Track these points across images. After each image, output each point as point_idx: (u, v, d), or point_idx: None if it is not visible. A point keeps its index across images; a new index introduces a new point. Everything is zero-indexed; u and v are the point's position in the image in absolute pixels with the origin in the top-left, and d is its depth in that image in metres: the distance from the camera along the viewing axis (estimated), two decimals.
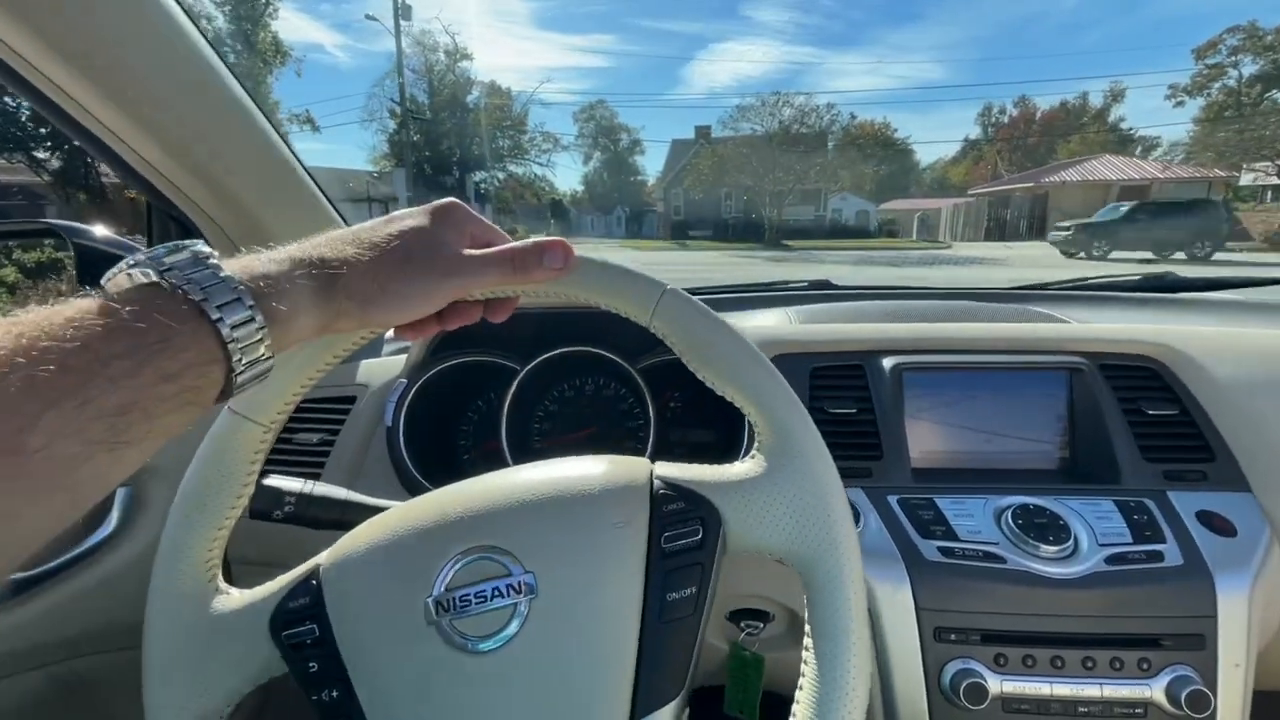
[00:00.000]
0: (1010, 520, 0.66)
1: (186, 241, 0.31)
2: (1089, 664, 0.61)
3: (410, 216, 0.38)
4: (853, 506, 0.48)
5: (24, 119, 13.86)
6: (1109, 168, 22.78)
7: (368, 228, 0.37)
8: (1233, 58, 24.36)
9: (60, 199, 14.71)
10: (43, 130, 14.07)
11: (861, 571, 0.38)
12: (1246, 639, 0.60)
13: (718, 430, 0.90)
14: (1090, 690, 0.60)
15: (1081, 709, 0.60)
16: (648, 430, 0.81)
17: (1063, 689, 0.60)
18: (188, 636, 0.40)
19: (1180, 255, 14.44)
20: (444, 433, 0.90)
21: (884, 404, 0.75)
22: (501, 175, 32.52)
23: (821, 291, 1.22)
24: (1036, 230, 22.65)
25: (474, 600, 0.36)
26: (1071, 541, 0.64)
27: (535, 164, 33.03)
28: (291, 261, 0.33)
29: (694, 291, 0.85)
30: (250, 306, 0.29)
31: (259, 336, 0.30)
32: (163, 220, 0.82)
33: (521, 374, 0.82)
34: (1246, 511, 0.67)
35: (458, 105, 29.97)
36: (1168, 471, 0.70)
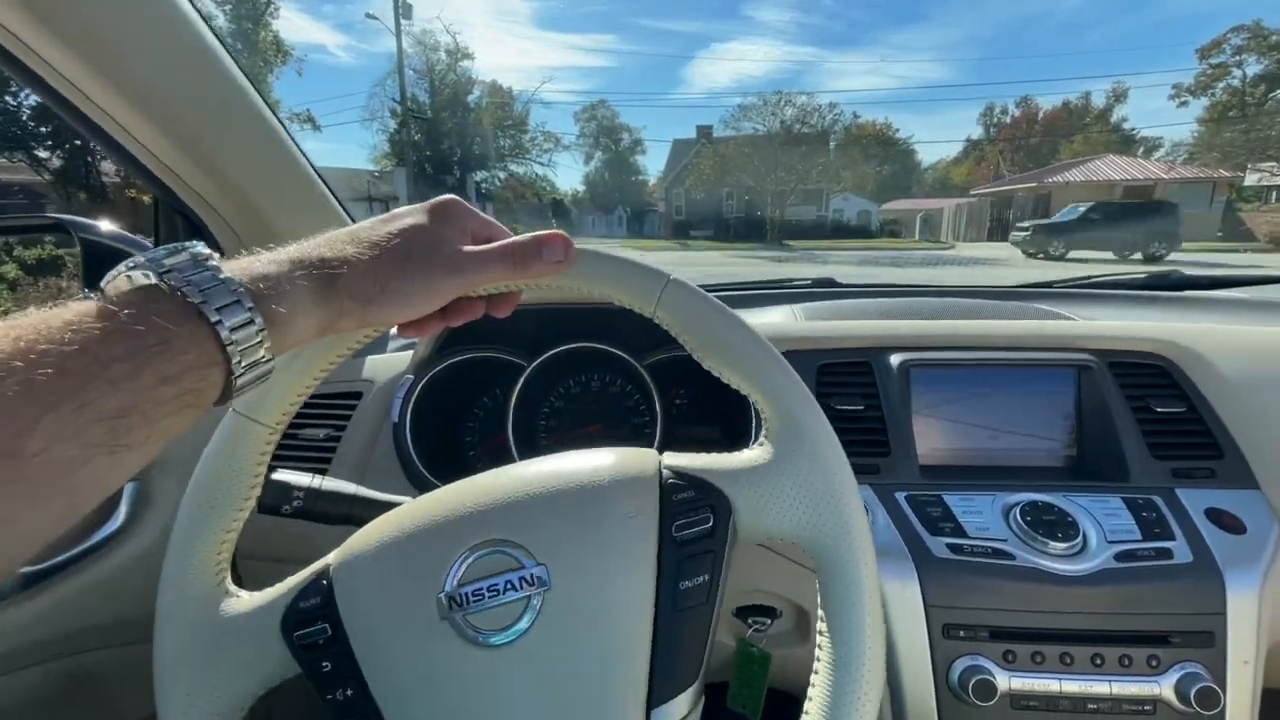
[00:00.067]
0: (1019, 517, 0.66)
1: (186, 243, 0.30)
2: (1098, 661, 0.61)
3: (409, 214, 0.38)
4: None
5: (25, 117, 13.89)
6: (1112, 168, 22.68)
7: (367, 227, 0.37)
8: (1237, 57, 24.31)
9: (61, 198, 14.72)
10: (43, 129, 14.09)
11: (873, 553, 0.38)
12: (1256, 636, 0.60)
13: (724, 426, 0.90)
14: (1099, 687, 0.60)
15: (1090, 706, 0.60)
16: (654, 426, 0.81)
17: (1071, 686, 0.60)
18: (198, 640, 0.39)
19: (1137, 255, 14.83)
20: (450, 429, 0.90)
21: (891, 401, 0.75)
22: (503, 175, 32.54)
23: (826, 289, 1.22)
24: None
25: (487, 594, 0.36)
26: (1080, 538, 0.64)
27: (536, 164, 33.07)
28: (291, 262, 0.33)
29: None
30: (250, 308, 0.29)
31: (259, 339, 0.30)
32: (169, 216, 0.82)
33: (528, 370, 0.82)
34: (1255, 509, 0.67)
35: (459, 105, 29.98)
36: (1176, 469, 0.70)
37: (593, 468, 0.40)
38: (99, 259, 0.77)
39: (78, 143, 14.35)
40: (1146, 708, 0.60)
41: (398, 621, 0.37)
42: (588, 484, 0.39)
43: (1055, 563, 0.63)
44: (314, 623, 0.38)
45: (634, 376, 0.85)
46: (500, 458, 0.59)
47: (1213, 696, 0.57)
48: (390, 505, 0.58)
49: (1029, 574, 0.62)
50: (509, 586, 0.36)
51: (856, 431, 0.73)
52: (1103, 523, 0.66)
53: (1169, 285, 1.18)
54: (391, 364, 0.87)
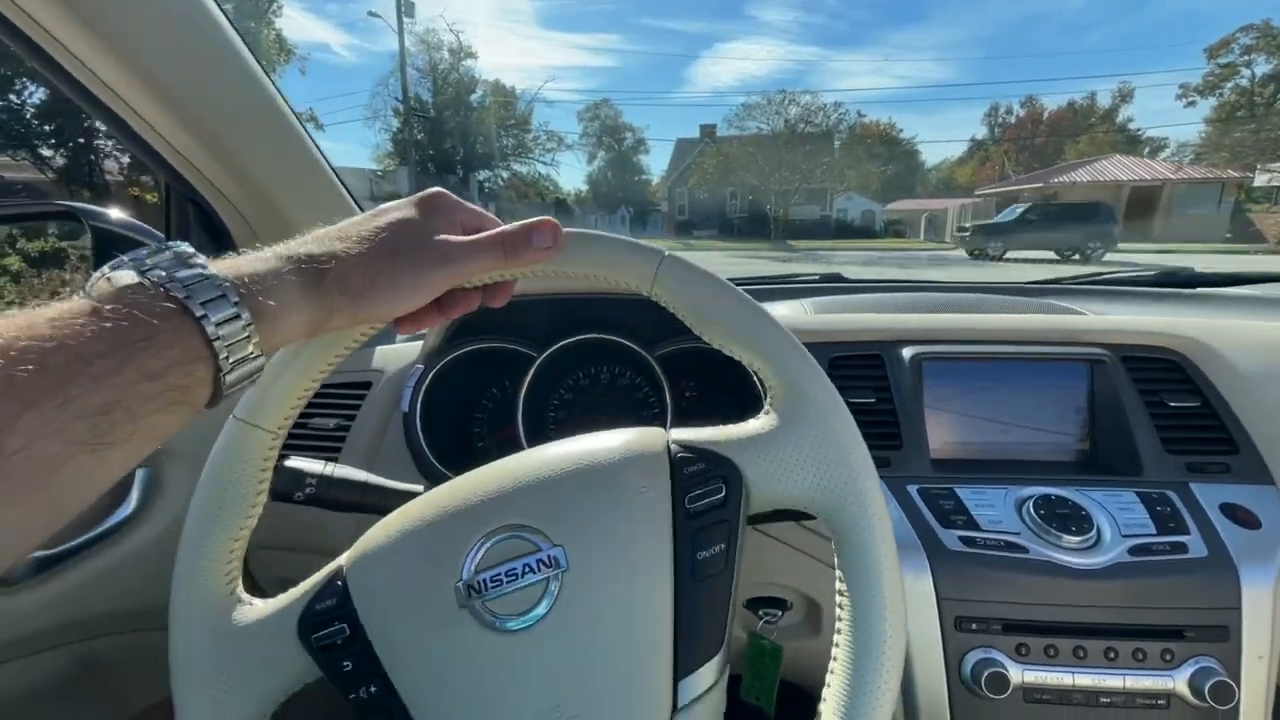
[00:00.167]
0: (1032, 510, 0.66)
1: (170, 243, 0.30)
2: (1111, 655, 0.60)
3: (397, 208, 0.38)
4: None
5: (30, 115, 13.94)
6: (1119, 168, 22.52)
7: (354, 222, 0.37)
8: (1246, 57, 24.17)
9: (65, 195, 14.75)
10: (47, 127, 14.13)
11: (886, 511, 0.38)
12: (1271, 631, 0.60)
13: (734, 419, 0.90)
14: (1113, 681, 0.60)
15: (1104, 699, 0.60)
16: (664, 419, 0.81)
17: (1085, 679, 0.60)
18: (216, 652, 0.39)
19: (1076, 256, 15.25)
20: (460, 419, 0.90)
21: (903, 394, 0.75)
22: (506, 174, 32.56)
23: (833, 284, 1.21)
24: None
25: (505, 579, 0.36)
26: (1094, 532, 0.64)
27: (540, 163, 33.11)
28: (279, 259, 0.33)
29: None
30: (235, 303, 0.29)
31: (246, 334, 0.29)
32: (181, 204, 0.82)
33: (538, 361, 0.82)
34: (1271, 504, 0.66)
35: (462, 104, 29.98)
36: (1190, 464, 0.70)
37: (603, 448, 0.40)
38: (109, 247, 0.77)
39: (81, 141, 14.40)
40: (1160, 702, 0.59)
41: (417, 614, 0.36)
42: (598, 464, 0.39)
43: (1069, 556, 0.63)
44: (331, 623, 0.37)
45: (644, 368, 0.85)
46: (509, 449, 0.59)
47: (1227, 691, 0.57)
48: (402, 492, 0.58)
49: (1042, 567, 0.62)
50: (527, 570, 0.36)
51: (868, 425, 0.73)
52: (1116, 516, 0.65)
53: (1181, 282, 1.18)
54: (401, 354, 0.87)
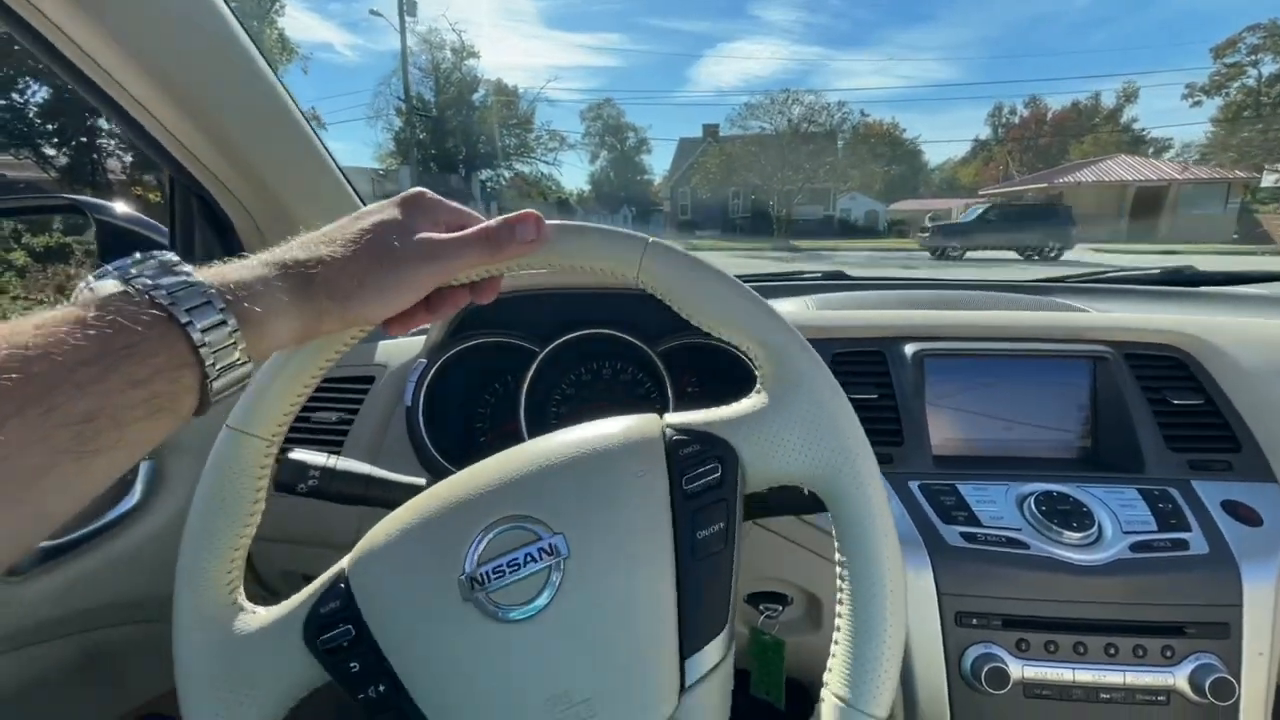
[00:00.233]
0: (1033, 506, 0.66)
1: (154, 252, 0.30)
2: (1112, 651, 0.60)
3: (380, 210, 0.38)
4: None
5: (33, 114, 13.98)
6: (1125, 168, 22.36)
7: (338, 226, 0.37)
8: (1252, 56, 24.03)
9: (69, 194, 14.79)
10: (50, 126, 14.17)
11: (880, 479, 0.38)
12: (1272, 628, 0.60)
13: None
14: (1113, 677, 0.60)
15: (1104, 695, 0.60)
16: (665, 414, 0.81)
17: (1085, 675, 0.60)
18: (222, 663, 0.39)
19: (1036, 256, 15.64)
20: (463, 413, 0.90)
21: (905, 390, 0.75)
22: (508, 174, 32.53)
23: (836, 282, 1.21)
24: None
25: (507, 570, 0.36)
26: (1095, 528, 0.64)
27: (542, 162, 33.07)
28: (264, 265, 0.33)
29: None
30: (221, 309, 0.29)
31: (232, 340, 0.29)
32: (185, 197, 0.83)
33: (540, 356, 0.82)
34: (1273, 501, 0.66)
35: (464, 103, 29.96)
36: (1192, 461, 0.70)
37: (598, 435, 0.40)
38: (114, 241, 0.78)
39: (84, 139, 14.43)
40: (1160, 698, 0.59)
41: (421, 610, 0.37)
42: (595, 451, 0.39)
43: (1070, 552, 0.63)
44: (336, 626, 0.37)
45: (647, 364, 0.85)
46: (512, 443, 0.59)
47: (1227, 687, 0.57)
48: (404, 485, 0.58)
49: (1043, 563, 0.62)
50: (529, 559, 0.36)
51: (870, 421, 0.72)
52: (1118, 513, 0.65)
53: (1184, 280, 1.17)
54: (404, 348, 0.88)
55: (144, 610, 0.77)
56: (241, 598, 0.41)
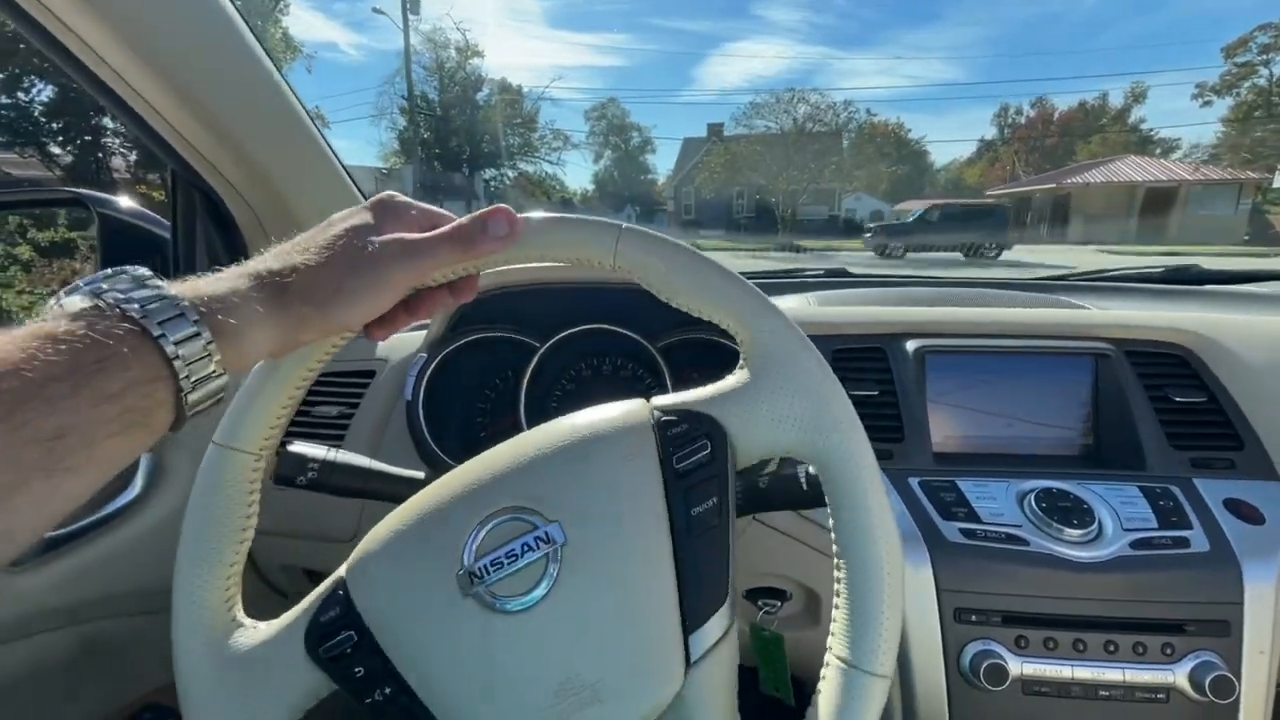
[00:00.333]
0: (1033, 503, 0.65)
1: (125, 267, 0.30)
2: (1111, 648, 0.60)
3: (350, 215, 0.38)
4: None
5: (37, 112, 14.04)
6: (1134, 169, 22.14)
7: (309, 235, 0.37)
8: (1264, 56, 23.82)
9: None
10: (55, 125, 14.24)
11: (866, 438, 0.38)
12: (1273, 626, 0.59)
13: None
14: (1112, 674, 0.59)
15: (1103, 692, 0.59)
16: None
17: (1084, 672, 0.59)
18: (225, 683, 0.39)
19: (976, 256, 16.29)
20: (463, 408, 0.91)
21: (906, 387, 0.75)
22: (512, 173, 32.54)
23: (838, 279, 1.21)
24: (1059, 234, 22.30)
25: (505, 561, 0.36)
26: (1096, 525, 0.64)
27: (546, 162, 33.08)
28: (238, 277, 0.33)
29: None
30: (195, 321, 0.29)
31: (206, 352, 0.29)
32: (188, 192, 0.83)
33: (541, 350, 0.82)
34: (1275, 500, 0.66)
35: (468, 102, 29.98)
36: (1195, 459, 0.69)
37: (586, 423, 0.40)
38: (117, 234, 0.79)
39: (88, 138, 14.49)
40: (1160, 695, 0.59)
41: (423, 608, 0.37)
42: (586, 438, 0.39)
43: (1070, 549, 0.62)
44: (338, 633, 0.37)
45: (647, 359, 0.85)
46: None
47: (1227, 685, 0.57)
48: (404, 479, 0.59)
49: (1043, 560, 0.62)
50: (526, 549, 0.36)
51: (870, 417, 0.72)
52: (1119, 510, 0.65)
53: (1188, 279, 1.17)
54: (405, 343, 0.88)
55: (144, 601, 0.78)
56: (240, 614, 0.41)
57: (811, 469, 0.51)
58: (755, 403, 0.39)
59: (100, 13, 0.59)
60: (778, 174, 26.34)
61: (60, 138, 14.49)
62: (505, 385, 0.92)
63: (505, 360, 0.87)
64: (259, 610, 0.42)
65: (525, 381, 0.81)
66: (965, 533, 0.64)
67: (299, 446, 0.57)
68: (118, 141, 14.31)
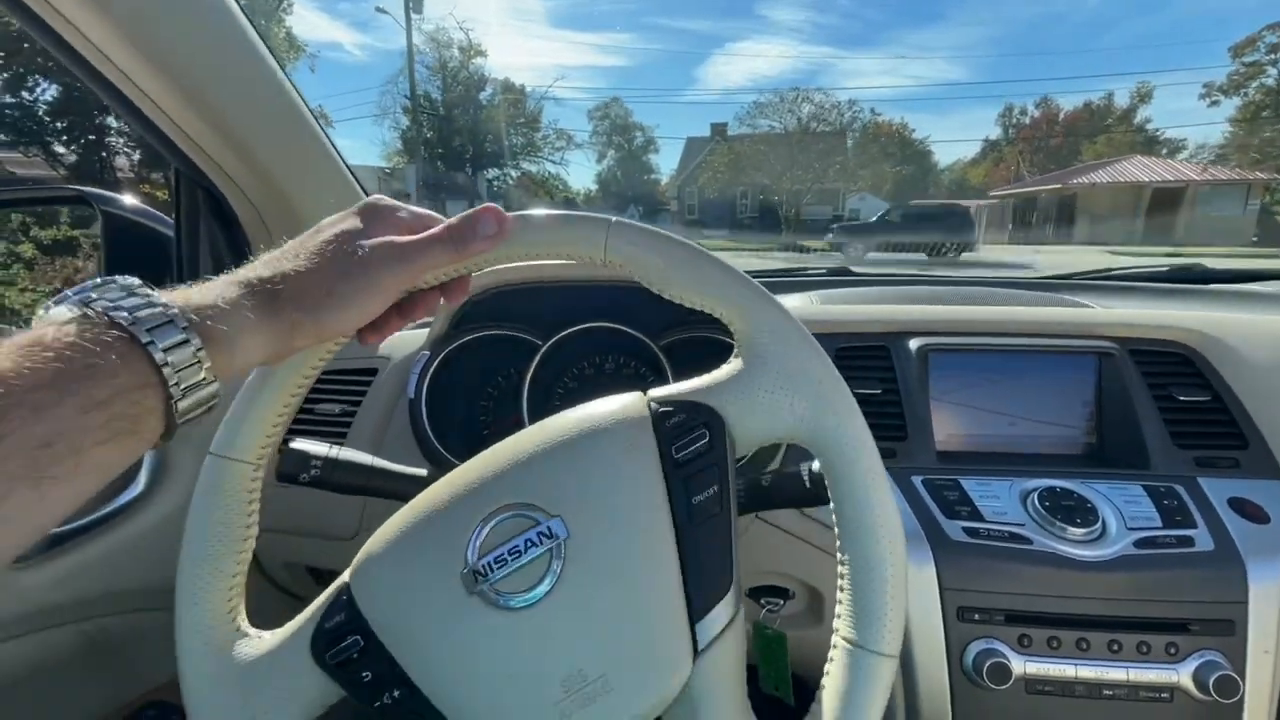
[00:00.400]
0: (1037, 502, 0.65)
1: (114, 277, 0.30)
2: (1115, 647, 0.60)
3: (339, 221, 0.38)
4: None
5: (42, 112, 14.10)
6: (1141, 169, 21.95)
7: (299, 241, 0.37)
8: (1272, 55, 23.63)
9: None
10: (59, 124, 14.30)
11: (862, 418, 0.38)
12: (1278, 625, 0.59)
13: None
14: (1116, 673, 0.59)
15: (1106, 692, 0.59)
16: None
17: (1087, 671, 0.59)
18: (231, 695, 0.39)
19: (937, 256, 16.31)
20: (465, 406, 0.91)
21: (909, 385, 0.74)
22: (515, 173, 32.55)
23: (841, 278, 1.21)
24: (1064, 234, 22.19)
25: (509, 558, 0.36)
26: (1099, 524, 0.63)
27: (549, 162, 33.05)
28: (229, 285, 0.33)
29: None
30: (184, 329, 0.29)
31: (196, 359, 0.29)
32: (191, 190, 0.83)
33: (543, 348, 0.82)
34: None
35: (471, 102, 29.99)
36: (1199, 458, 0.69)
37: (583, 417, 0.40)
38: (120, 232, 0.79)
39: (93, 137, 14.55)
40: (1164, 695, 0.59)
41: (428, 609, 0.37)
42: (584, 432, 0.39)
43: (1073, 548, 0.62)
44: (344, 638, 0.37)
45: (649, 357, 0.85)
46: None
47: (1232, 685, 0.56)
48: (406, 476, 0.59)
49: (1046, 559, 0.62)
50: (529, 545, 0.36)
51: (873, 416, 0.72)
52: (1123, 509, 0.65)
53: (1192, 278, 1.16)
54: (408, 341, 0.88)
55: (148, 599, 0.78)
56: (244, 623, 0.41)
57: (815, 467, 0.51)
58: (751, 389, 0.39)
59: (105, 11, 0.60)
60: (781, 174, 26.31)
61: (64, 136, 14.53)
62: (508, 383, 0.92)
63: (508, 358, 0.87)
64: (263, 614, 0.42)
65: (528, 379, 0.81)
66: (969, 531, 0.64)
67: (302, 444, 0.57)
68: (122, 140, 14.36)
